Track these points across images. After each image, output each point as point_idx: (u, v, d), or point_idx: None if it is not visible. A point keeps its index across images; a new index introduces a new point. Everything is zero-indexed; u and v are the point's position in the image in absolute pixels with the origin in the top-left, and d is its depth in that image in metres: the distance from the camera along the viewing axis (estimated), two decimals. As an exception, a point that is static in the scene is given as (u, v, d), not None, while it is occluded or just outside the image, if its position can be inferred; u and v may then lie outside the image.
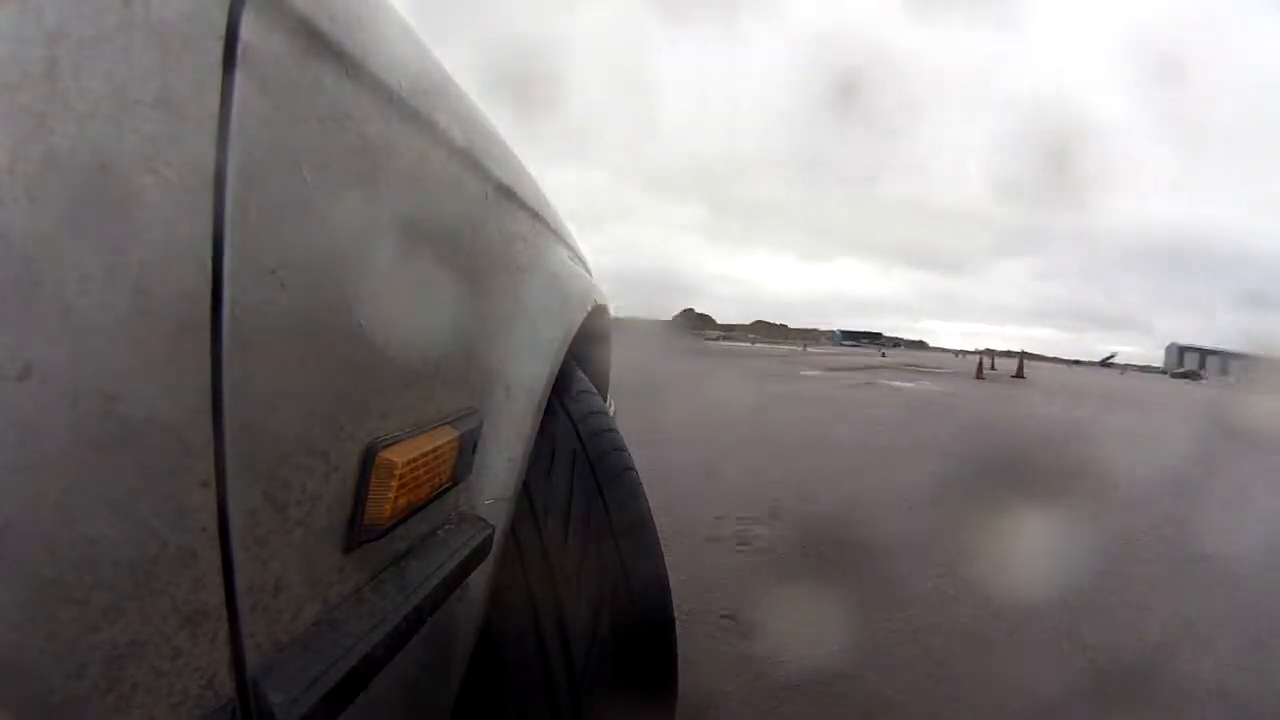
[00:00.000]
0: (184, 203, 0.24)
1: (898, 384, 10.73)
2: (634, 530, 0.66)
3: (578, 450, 0.66)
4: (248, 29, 0.27)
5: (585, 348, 0.86)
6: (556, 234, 0.81)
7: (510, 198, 0.60)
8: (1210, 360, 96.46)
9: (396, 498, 0.37)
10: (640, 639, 0.63)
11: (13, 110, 0.20)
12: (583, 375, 0.77)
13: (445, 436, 0.43)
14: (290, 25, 0.30)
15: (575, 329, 0.70)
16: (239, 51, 0.27)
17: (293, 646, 0.30)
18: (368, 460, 0.35)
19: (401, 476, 0.37)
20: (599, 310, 0.91)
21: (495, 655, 0.57)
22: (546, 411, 0.60)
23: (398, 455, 0.37)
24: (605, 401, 1.17)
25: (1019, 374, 16.28)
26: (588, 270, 1.01)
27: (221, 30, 0.26)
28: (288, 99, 0.30)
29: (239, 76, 0.27)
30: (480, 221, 0.53)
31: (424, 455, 0.40)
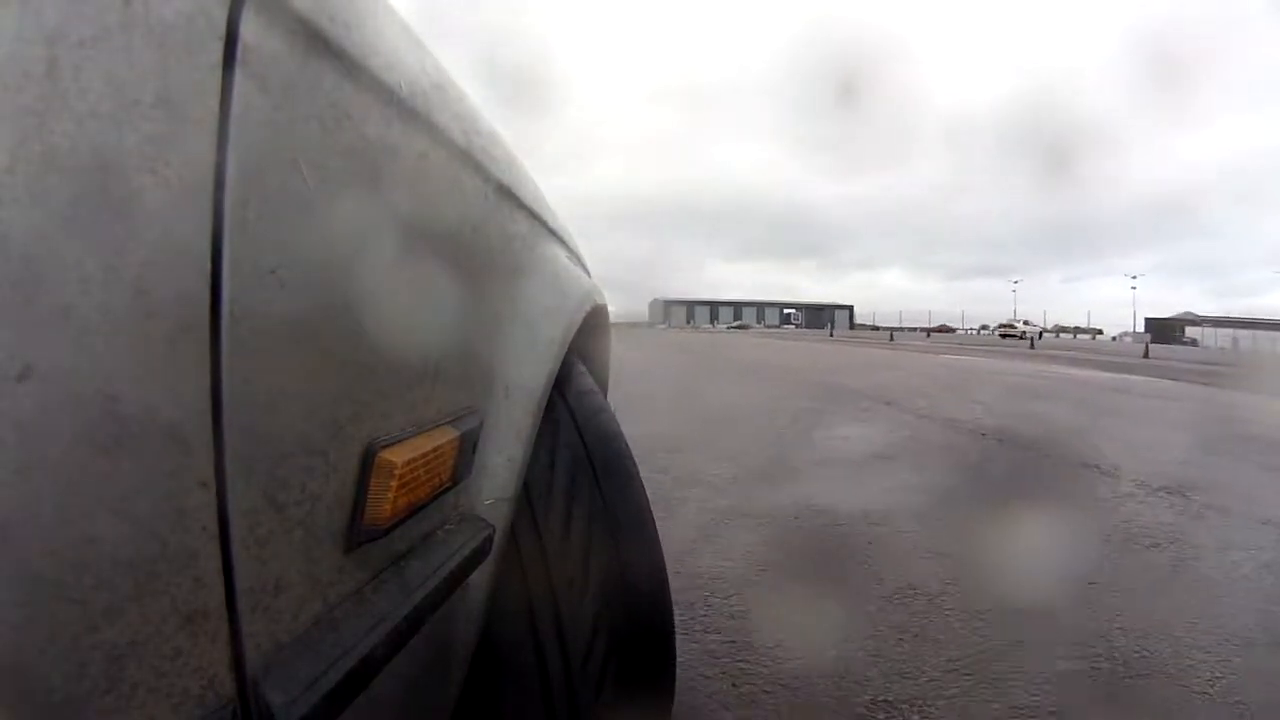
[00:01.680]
0: (184, 203, 0.24)
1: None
2: (633, 529, 0.65)
3: (578, 450, 0.66)
4: (248, 29, 0.27)
5: (585, 347, 0.86)
6: (555, 235, 0.81)
7: (510, 198, 0.60)
8: (699, 310, 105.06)
9: (396, 498, 0.37)
10: (638, 638, 0.63)
11: (13, 110, 0.20)
12: (584, 373, 0.77)
13: (445, 437, 0.43)
14: (290, 25, 0.30)
15: (575, 329, 0.70)
16: (239, 51, 0.27)
17: (293, 646, 0.30)
18: (367, 460, 0.35)
19: (401, 476, 0.37)
20: (598, 310, 0.91)
21: (493, 655, 0.57)
22: (547, 410, 0.60)
23: (397, 455, 0.37)
24: (605, 399, 1.17)
25: None
26: (586, 271, 1.01)
27: (221, 30, 0.26)
28: (288, 99, 0.30)
29: (239, 76, 0.27)
30: (480, 222, 0.53)
31: (424, 455, 0.39)
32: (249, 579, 0.28)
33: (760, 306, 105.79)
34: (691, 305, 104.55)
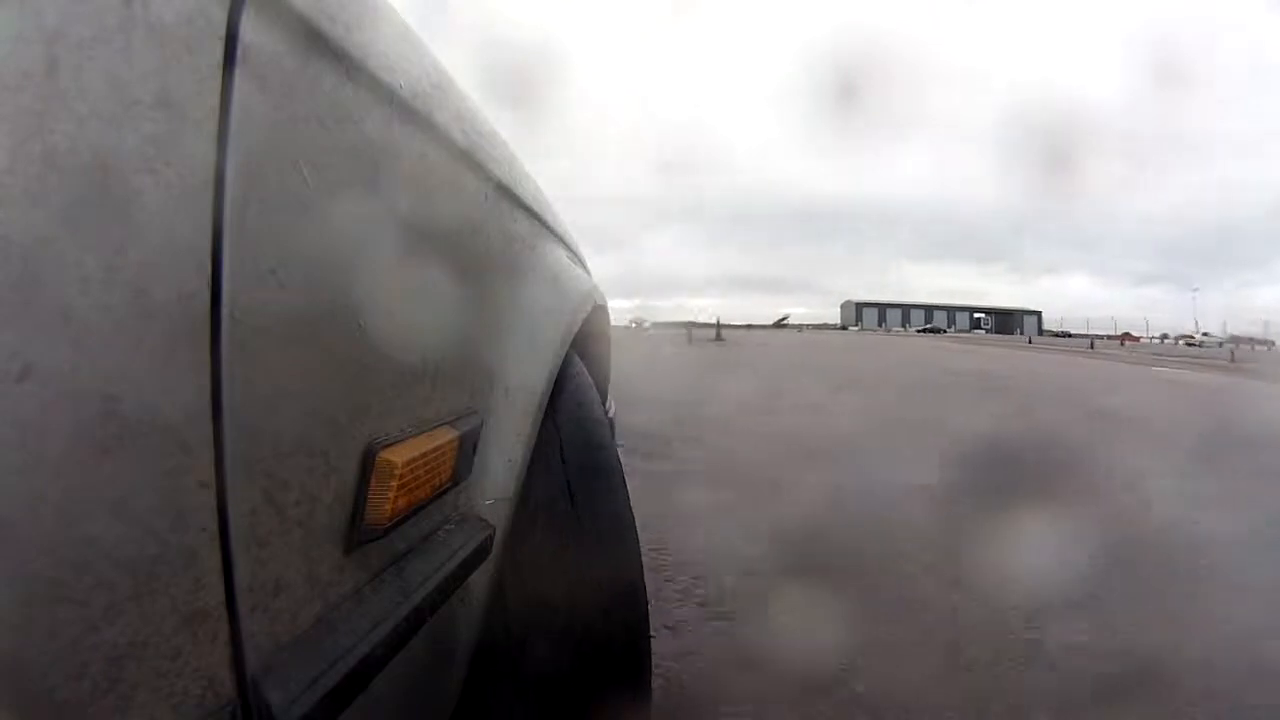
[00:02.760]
0: (184, 203, 0.24)
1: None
2: (612, 538, 0.65)
3: (567, 454, 0.65)
4: (248, 29, 0.27)
5: (585, 348, 0.86)
6: (556, 235, 0.81)
7: (510, 198, 0.60)
8: (890, 313, 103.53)
9: (396, 498, 0.37)
10: (612, 643, 0.62)
11: (13, 110, 0.20)
12: (580, 375, 0.77)
13: (445, 437, 0.43)
14: (290, 25, 0.30)
15: (575, 330, 0.70)
16: (239, 51, 0.27)
17: (293, 646, 0.30)
18: (367, 460, 0.35)
19: (401, 477, 0.37)
20: (598, 311, 0.91)
21: (488, 655, 0.57)
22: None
23: (397, 455, 0.37)
24: (605, 401, 1.17)
25: (718, 338, 20.20)
26: (587, 271, 1.01)
27: (221, 30, 0.26)
28: (288, 99, 0.30)
29: (239, 76, 0.27)
30: (480, 222, 0.53)
31: (424, 455, 0.39)
32: (249, 579, 0.28)
33: (951, 311, 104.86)
34: (883, 308, 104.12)
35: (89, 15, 0.22)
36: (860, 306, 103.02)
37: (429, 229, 0.44)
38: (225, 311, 0.26)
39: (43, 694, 0.21)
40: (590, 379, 0.78)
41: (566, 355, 0.67)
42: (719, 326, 22.44)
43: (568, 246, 0.88)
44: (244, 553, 0.27)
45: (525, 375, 0.57)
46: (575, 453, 0.65)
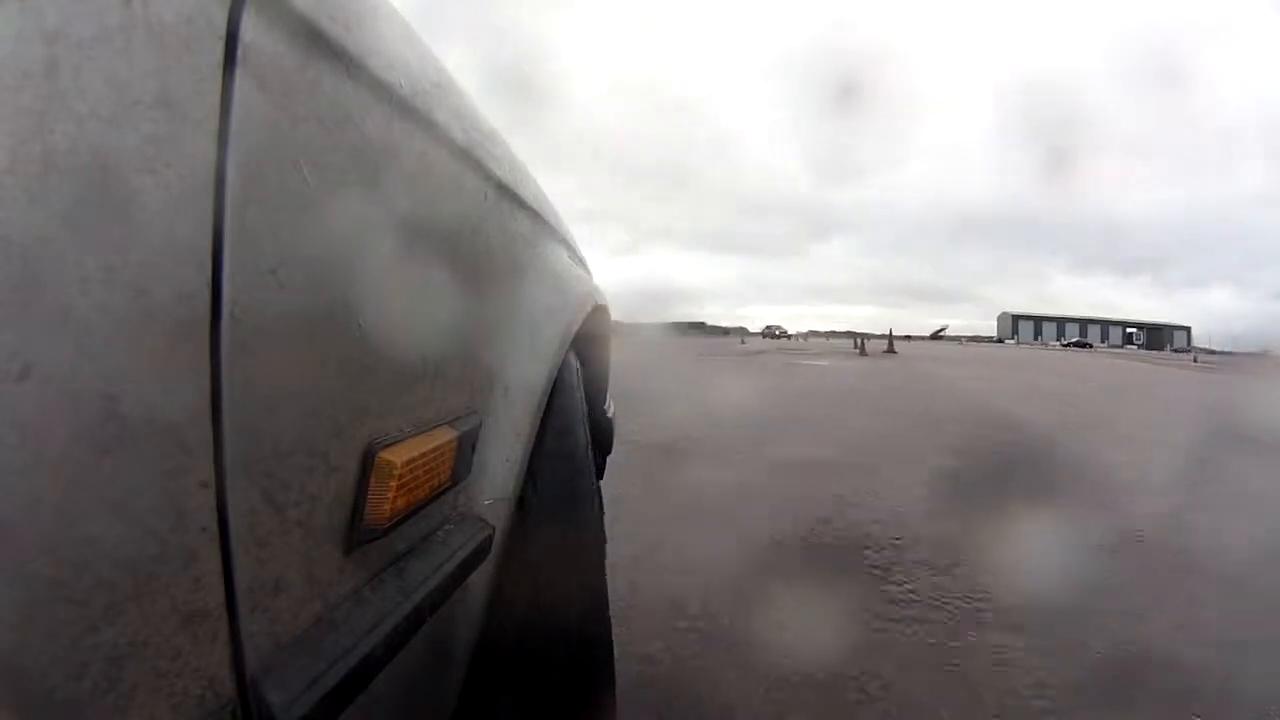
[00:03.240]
0: (184, 203, 0.24)
1: (806, 363, 13.12)
2: (577, 540, 0.64)
3: (545, 458, 0.63)
4: (248, 29, 0.27)
5: (585, 349, 0.86)
6: (557, 234, 0.81)
7: (510, 198, 0.60)
8: (1045, 326, 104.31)
9: (396, 498, 0.37)
10: (574, 655, 0.61)
11: (13, 110, 0.20)
12: (573, 376, 0.76)
13: (444, 437, 0.43)
14: (290, 25, 0.30)
15: (575, 329, 0.70)
16: (239, 51, 0.27)
17: (293, 646, 0.30)
18: (367, 460, 0.35)
19: (401, 477, 0.37)
20: (599, 311, 0.91)
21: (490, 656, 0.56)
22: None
23: (397, 455, 0.37)
24: (605, 402, 1.17)
25: (890, 349, 19.77)
26: (588, 271, 1.01)
27: (221, 30, 0.26)
28: (288, 99, 0.30)
29: (239, 76, 0.27)
30: (480, 221, 0.53)
31: (423, 455, 0.39)
32: (249, 579, 0.28)
33: (1104, 325, 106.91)
34: (1038, 321, 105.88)
35: (89, 15, 0.22)
36: (1017, 319, 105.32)
37: (429, 228, 0.44)
38: (225, 311, 0.26)
39: (43, 694, 0.21)
40: (581, 380, 0.78)
41: (566, 355, 0.67)
42: (891, 338, 21.36)
43: (569, 246, 0.88)
44: (244, 553, 0.27)
45: (525, 375, 0.57)
46: (561, 458, 0.64)
